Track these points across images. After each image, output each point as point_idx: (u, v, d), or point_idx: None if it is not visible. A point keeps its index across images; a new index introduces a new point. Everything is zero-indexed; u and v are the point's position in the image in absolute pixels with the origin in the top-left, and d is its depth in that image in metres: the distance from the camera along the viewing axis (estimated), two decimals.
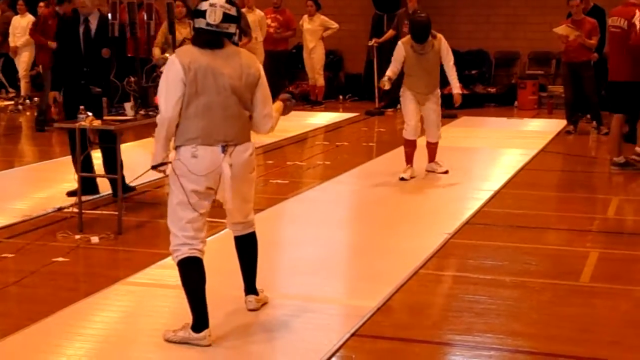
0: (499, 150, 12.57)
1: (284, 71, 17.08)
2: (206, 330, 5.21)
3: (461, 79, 17.83)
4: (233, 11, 5.23)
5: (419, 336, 5.54)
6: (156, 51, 11.04)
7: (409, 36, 9.98)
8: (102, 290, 6.31)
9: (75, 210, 8.09)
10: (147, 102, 8.23)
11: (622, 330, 5.64)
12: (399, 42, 10.13)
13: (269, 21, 16.36)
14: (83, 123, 7.89)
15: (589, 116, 14.46)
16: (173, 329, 5.32)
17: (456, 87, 10.25)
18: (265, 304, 5.94)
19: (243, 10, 15.01)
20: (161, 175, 5.64)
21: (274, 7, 16.93)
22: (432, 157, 10.51)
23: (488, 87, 18.30)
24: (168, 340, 5.26)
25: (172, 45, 9.35)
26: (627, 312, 6.03)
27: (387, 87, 10.00)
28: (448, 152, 12.28)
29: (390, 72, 9.99)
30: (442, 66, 10.16)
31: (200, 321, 5.21)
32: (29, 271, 6.73)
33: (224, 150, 5.19)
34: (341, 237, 7.95)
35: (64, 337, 5.47)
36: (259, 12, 15.89)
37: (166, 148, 5.37)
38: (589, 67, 13.76)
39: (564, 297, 6.29)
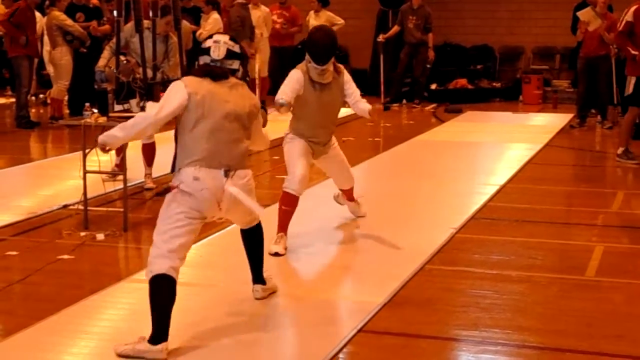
0: (504, 145, 12.56)
1: (290, 67, 17.05)
2: (164, 344, 5.04)
3: (466, 73, 18.10)
4: (237, 48, 5.49)
5: (425, 331, 5.53)
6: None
7: (304, 62, 7.22)
8: (107, 287, 6.31)
9: (81, 207, 8.08)
10: (152, 98, 8.21)
11: (628, 325, 5.63)
12: (296, 68, 7.29)
13: (274, 17, 16.35)
14: (88, 120, 7.90)
15: (593, 111, 14.45)
16: (125, 342, 5.12)
17: (366, 105, 7.38)
18: (273, 292, 6.02)
19: (249, 6, 15.03)
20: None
21: (280, 3, 16.91)
22: (351, 197, 8.25)
23: (493, 81, 18.34)
24: (120, 355, 5.06)
25: (180, 48, 9.23)
26: (633, 306, 6.01)
27: (283, 112, 7.14)
28: (453, 147, 12.32)
29: (285, 95, 7.02)
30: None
31: (159, 334, 5.05)
32: (34, 269, 6.72)
33: (227, 175, 5.28)
34: (346, 233, 7.95)
35: (69, 336, 5.47)
36: (264, 9, 15.88)
37: (123, 142, 5.72)
38: (607, 60, 13.73)
39: (570, 292, 6.28)
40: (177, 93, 5.27)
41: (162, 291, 5.14)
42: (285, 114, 7.27)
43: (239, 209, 5.46)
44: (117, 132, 5.39)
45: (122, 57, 8.59)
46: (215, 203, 5.29)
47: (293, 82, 7.10)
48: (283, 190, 7.25)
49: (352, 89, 7.36)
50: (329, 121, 7.42)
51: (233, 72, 5.47)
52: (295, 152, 7.29)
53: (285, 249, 7.08)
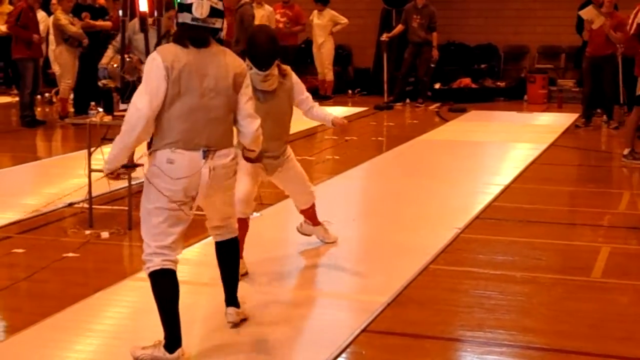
0: (509, 145, 12.55)
1: (293, 66, 17.07)
2: (179, 350, 4.91)
3: (470, 73, 18.08)
4: (220, 6, 4.96)
5: (429, 332, 5.53)
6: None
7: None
8: (112, 285, 6.32)
9: (86, 205, 8.10)
10: None
11: (634, 326, 5.62)
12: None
13: (278, 16, 16.38)
14: (93, 119, 7.90)
15: (599, 110, 14.42)
16: (142, 345, 5.00)
17: (330, 116, 6.81)
18: (245, 319, 5.56)
19: (253, 5, 15.06)
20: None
21: (283, 2, 16.94)
22: (315, 220, 7.31)
23: (497, 81, 18.30)
24: (137, 359, 4.94)
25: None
26: (638, 308, 6.01)
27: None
28: (457, 147, 12.32)
29: None
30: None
31: (173, 339, 4.91)
32: (39, 267, 6.73)
33: (205, 156, 4.89)
34: (351, 233, 7.92)
35: (74, 333, 5.48)
36: (267, 8, 15.91)
37: (128, 154, 5.18)
38: (612, 60, 13.67)
39: (575, 293, 6.27)
40: (157, 76, 4.80)
41: (162, 285, 4.97)
42: None
43: (218, 197, 5.12)
44: (114, 150, 4.96)
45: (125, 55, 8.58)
46: (193, 188, 4.91)
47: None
48: None
49: (303, 94, 6.60)
50: (281, 131, 6.56)
51: (215, 32, 4.97)
52: (240, 171, 5.92)
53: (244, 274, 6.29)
